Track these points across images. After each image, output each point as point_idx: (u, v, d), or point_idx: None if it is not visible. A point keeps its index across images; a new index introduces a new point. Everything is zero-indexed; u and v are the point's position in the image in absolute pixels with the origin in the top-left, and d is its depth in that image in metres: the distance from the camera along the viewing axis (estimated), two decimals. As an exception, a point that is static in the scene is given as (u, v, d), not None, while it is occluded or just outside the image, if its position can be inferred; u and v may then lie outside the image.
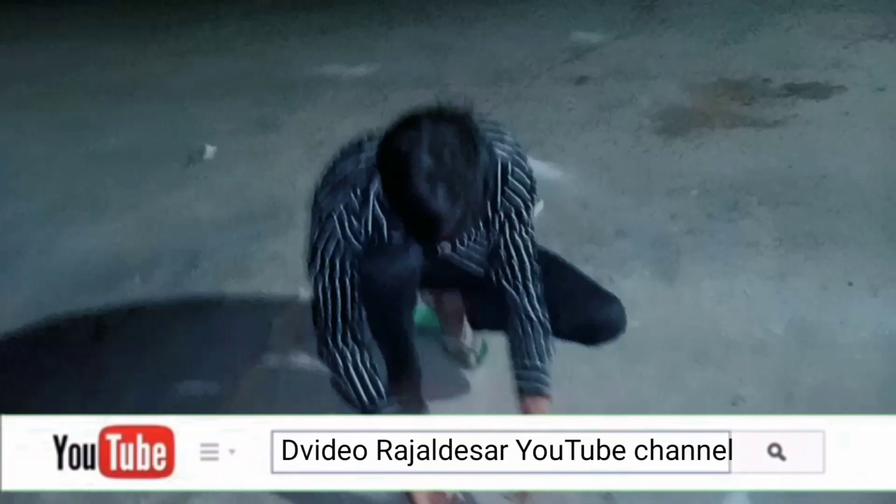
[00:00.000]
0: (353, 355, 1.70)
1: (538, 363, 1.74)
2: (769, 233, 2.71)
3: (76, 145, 3.72)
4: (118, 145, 3.74)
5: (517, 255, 1.76)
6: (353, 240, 1.62)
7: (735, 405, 2.01)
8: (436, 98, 1.48)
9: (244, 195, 3.19)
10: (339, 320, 1.69)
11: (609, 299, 1.89)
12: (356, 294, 1.68)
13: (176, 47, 5.32)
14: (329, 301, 1.67)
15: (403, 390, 1.91)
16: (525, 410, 1.73)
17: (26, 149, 3.67)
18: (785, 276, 2.48)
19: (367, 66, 4.55)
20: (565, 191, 3.07)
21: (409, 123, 1.42)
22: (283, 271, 2.62)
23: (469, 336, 2.18)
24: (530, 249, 1.77)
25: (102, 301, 2.50)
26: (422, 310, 2.27)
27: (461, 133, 1.41)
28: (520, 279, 1.76)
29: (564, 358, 2.13)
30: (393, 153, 1.40)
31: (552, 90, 4.08)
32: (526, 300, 1.75)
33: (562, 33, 4.97)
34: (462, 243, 1.77)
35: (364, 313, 1.71)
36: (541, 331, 1.76)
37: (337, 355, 1.70)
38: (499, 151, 1.67)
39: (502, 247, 1.75)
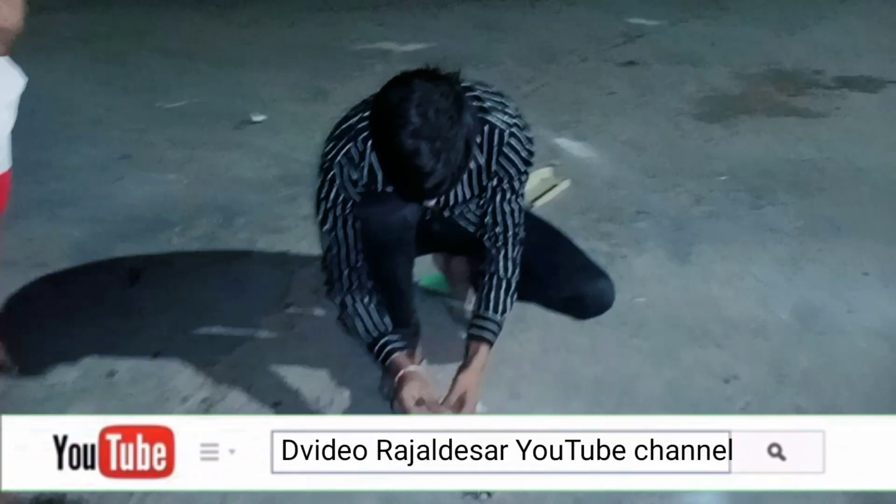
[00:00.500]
0: (360, 297, 1.80)
1: (492, 314, 1.83)
2: (791, 220, 2.71)
3: (143, 102, 3.93)
4: (179, 105, 3.94)
5: (502, 222, 1.83)
6: (351, 189, 1.71)
7: (727, 383, 2.04)
8: (429, 64, 1.55)
9: (286, 160, 3.34)
10: (345, 267, 1.79)
11: (598, 274, 1.95)
12: (360, 242, 1.78)
13: (239, 18, 5.52)
14: (334, 247, 1.78)
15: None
16: (466, 350, 1.83)
17: (100, 100, 3.90)
18: (799, 262, 2.49)
19: (420, 43, 4.65)
20: (594, 170, 3.12)
21: (401, 81, 1.50)
22: (311, 231, 2.73)
23: (473, 301, 2.26)
24: (516, 218, 1.84)
25: (141, 249, 2.68)
26: (434, 275, 2.37)
27: (449, 95, 1.48)
28: (500, 241, 1.84)
29: (563, 327, 2.21)
30: (383, 108, 1.49)
31: (598, 72, 4.11)
32: (500, 258, 1.84)
33: (619, 18, 4.99)
34: (449, 202, 1.85)
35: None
36: (504, 286, 1.84)
37: (343, 298, 1.81)
38: (496, 120, 1.73)
39: (490, 213, 1.84)
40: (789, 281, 2.41)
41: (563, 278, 1.93)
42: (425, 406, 1.74)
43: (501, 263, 1.83)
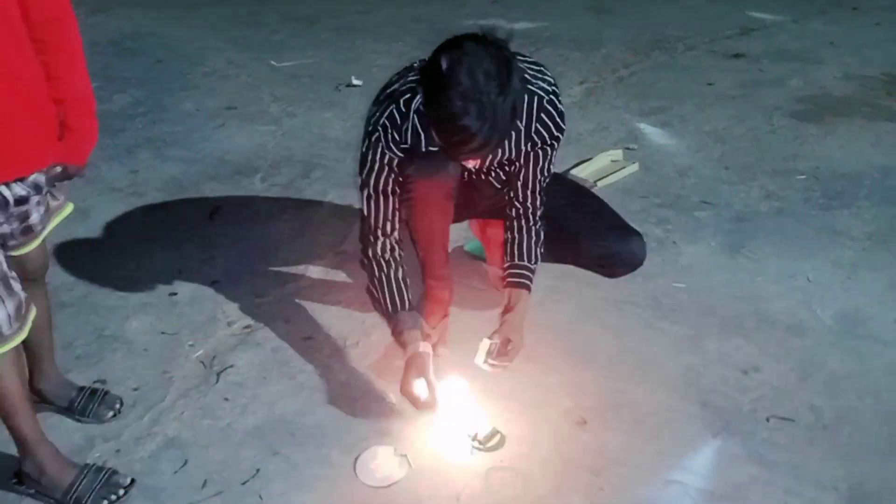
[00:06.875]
0: (388, 268, 1.88)
1: (526, 262, 1.92)
2: (862, 226, 2.61)
3: (260, 59, 4.20)
4: (291, 65, 4.16)
5: (531, 188, 1.91)
6: (395, 150, 1.80)
7: (746, 374, 2.03)
8: (481, 30, 1.57)
9: (375, 122, 3.49)
10: (380, 233, 1.87)
11: (630, 232, 1.99)
12: (398, 209, 1.86)
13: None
14: (373, 211, 1.86)
15: (432, 300, 2.08)
16: (507, 296, 1.90)
17: (224, 55, 4.20)
18: (858, 268, 2.41)
19: (530, 22, 4.67)
20: (669, 157, 3.09)
21: (453, 44, 1.55)
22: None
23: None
24: (542, 185, 1.92)
25: (225, 189, 2.91)
26: (476, 241, 2.46)
27: (498, 60, 1.52)
28: (528, 204, 1.93)
29: (595, 303, 2.26)
30: (435, 70, 1.54)
31: (702, 62, 4.02)
32: (527, 216, 1.94)
33: (739, 10, 4.83)
34: (491, 165, 1.91)
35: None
36: (533, 237, 1.93)
37: (374, 265, 1.89)
38: (535, 87, 1.79)
39: (520, 177, 1.91)
40: (841, 285, 2.34)
41: (595, 237, 1.99)
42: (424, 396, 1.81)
43: (526, 224, 1.93)
